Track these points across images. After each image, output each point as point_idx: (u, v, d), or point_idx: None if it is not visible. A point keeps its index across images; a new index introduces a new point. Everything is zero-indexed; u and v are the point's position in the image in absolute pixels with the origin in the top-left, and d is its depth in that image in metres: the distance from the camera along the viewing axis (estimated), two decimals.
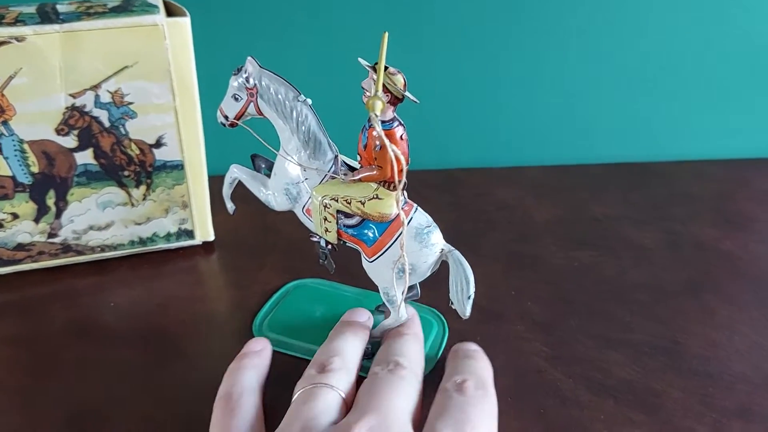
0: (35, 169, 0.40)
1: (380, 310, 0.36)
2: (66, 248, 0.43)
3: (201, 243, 0.47)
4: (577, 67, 0.58)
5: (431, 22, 0.55)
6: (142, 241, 0.45)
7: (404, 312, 0.33)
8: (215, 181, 0.45)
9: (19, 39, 0.36)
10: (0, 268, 0.42)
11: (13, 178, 0.40)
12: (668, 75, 0.58)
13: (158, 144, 0.42)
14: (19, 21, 0.37)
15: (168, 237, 0.45)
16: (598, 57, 0.57)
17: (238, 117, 0.33)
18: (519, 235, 0.48)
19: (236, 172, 0.35)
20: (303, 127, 0.32)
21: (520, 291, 0.41)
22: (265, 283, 0.42)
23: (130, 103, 0.40)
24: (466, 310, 0.32)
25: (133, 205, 0.43)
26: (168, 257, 0.45)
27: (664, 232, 0.48)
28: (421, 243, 0.31)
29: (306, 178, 0.33)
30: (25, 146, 0.39)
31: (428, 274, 0.32)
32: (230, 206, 0.37)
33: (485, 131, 0.60)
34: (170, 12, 0.40)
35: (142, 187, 0.43)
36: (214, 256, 0.46)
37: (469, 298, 0.31)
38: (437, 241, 0.32)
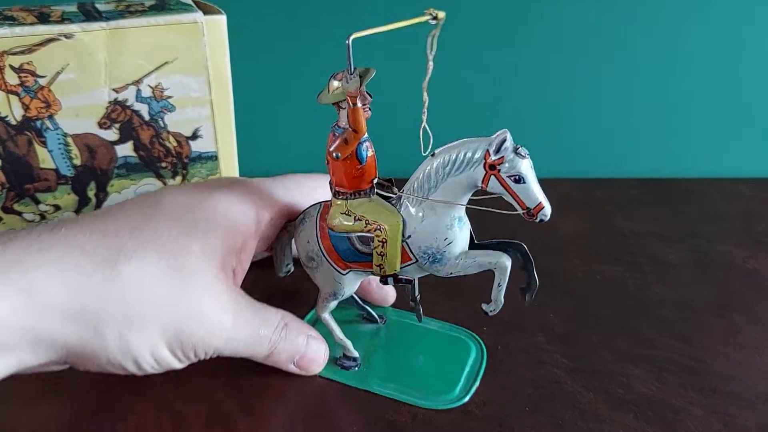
0: (77, 161, 0.41)
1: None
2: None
3: None
4: (609, 82, 0.57)
5: (463, 31, 0.55)
6: None
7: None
8: (244, 171, 0.47)
9: (68, 36, 0.38)
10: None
11: (56, 170, 0.41)
12: (701, 92, 0.58)
13: (194, 136, 0.44)
14: (65, 19, 0.38)
15: None
16: (631, 72, 0.57)
17: None
18: (543, 247, 0.48)
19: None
20: None
21: (542, 303, 0.41)
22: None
23: (169, 97, 0.42)
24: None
25: None
26: None
27: (690, 249, 0.48)
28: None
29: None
30: (69, 140, 0.40)
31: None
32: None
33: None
34: (203, 10, 0.42)
35: (178, 178, 0.45)
36: None
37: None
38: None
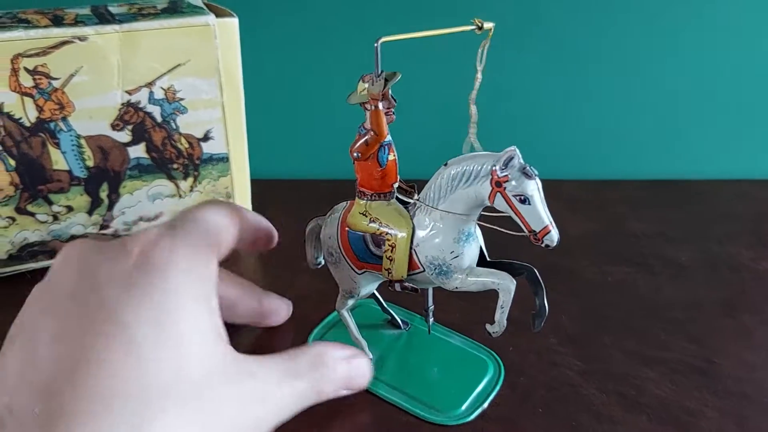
0: (90, 163, 0.41)
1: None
2: (116, 239, 0.45)
3: None
4: (618, 83, 0.57)
5: (474, 33, 0.55)
6: None
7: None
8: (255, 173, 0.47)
9: (82, 38, 0.38)
10: (54, 260, 0.44)
11: (69, 172, 0.41)
12: (711, 92, 0.58)
13: (206, 138, 0.44)
14: (79, 21, 0.39)
15: None
16: (640, 73, 0.57)
17: None
18: (554, 248, 0.48)
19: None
20: None
21: (553, 304, 0.41)
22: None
23: (182, 99, 0.42)
24: None
25: (180, 196, 0.45)
26: None
27: (701, 250, 0.48)
28: None
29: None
30: (82, 141, 0.41)
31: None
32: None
33: (524, 144, 0.60)
34: (215, 13, 0.42)
35: (190, 179, 0.45)
36: None
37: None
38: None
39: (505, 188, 0.28)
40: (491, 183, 0.28)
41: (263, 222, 0.34)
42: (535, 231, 0.28)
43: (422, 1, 0.54)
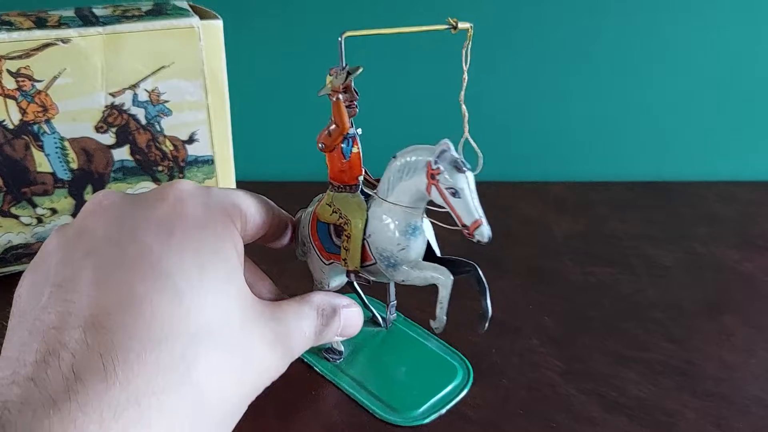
0: (74, 165, 0.41)
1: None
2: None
3: None
4: (603, 85, 0.58)
5: (460, 33, 0.56)
6: None
7: None
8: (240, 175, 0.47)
9: (65, 41, 0.38)
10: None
11: (53, 174, 0.41)
12: (696, 94, 0.58)
13: (191, 140, 0.44)
14: (62, 24, 0.39)
15: None
16: (627, 75, 0.57)
17: None
18: (539, 250, 0.48)
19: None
20: None
21: (537, 305, 0.42)
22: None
23: (166, 101, 0.42)
24: None
25: None
26: None
27: (684, 251, 0.48)
28: None
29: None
30: (66, 143, 0.41)
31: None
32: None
33: (511, 146, 0.61)
34: (199, 15, 0.42)
35: None
36: None
37: None
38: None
39: (438, 181, 0.28)
40: (427, 176, 0.28)
41: (287, 215, 0.35)
42: (466, 225, 0.28)
43: (411, 3, 0.54)
